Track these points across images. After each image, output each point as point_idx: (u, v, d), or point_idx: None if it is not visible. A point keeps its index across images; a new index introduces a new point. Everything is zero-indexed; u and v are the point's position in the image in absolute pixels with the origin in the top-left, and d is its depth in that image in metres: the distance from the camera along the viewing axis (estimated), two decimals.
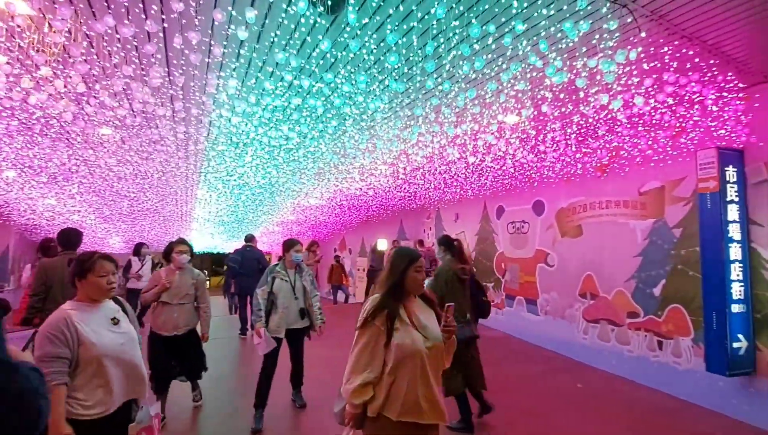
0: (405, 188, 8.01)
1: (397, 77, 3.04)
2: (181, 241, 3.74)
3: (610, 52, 2.84)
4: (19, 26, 2.52)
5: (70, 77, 2.85)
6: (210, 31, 2.62)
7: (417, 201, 9.97)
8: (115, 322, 1.96)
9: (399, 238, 12.36)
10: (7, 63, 2.74)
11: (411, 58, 2.87)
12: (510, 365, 5.76)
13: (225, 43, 2.75)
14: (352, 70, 2.97)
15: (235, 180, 6.94)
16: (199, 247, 22.56)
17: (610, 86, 3.25)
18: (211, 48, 2.73)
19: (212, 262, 30.14)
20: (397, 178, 7.02)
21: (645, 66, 3.14)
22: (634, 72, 3.24)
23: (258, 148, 5.28)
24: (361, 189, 8.11)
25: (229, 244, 20.56)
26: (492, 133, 4.35)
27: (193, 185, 8.12)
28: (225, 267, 12.96)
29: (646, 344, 5.19)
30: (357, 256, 15.20)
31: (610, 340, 5.67)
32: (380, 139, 4.87)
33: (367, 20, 2.42)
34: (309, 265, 11.06)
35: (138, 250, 7.66)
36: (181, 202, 9.95)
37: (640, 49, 2.91)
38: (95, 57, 2.84)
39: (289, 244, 3.82)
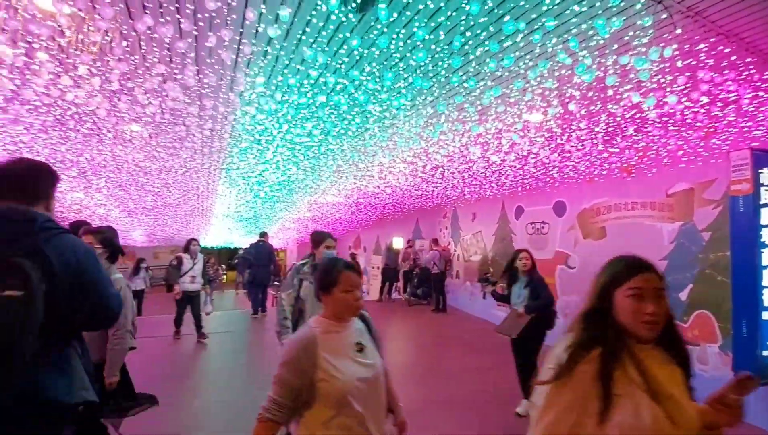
0: (422, 187, 7.99)
1: (422, 74, 3.04)
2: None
3: (643, 49, 2.77)
4: (60, 26, 2.61)
5: (107, 75, 2.93)
6: (241, 30, 2.67)
7: (434, 200, 9.94)
8: (360, 348, 1.63)
9: (414, 237, 12.35)
10: (48, 61, 2.84)
11: (438, 55, 2.86)
12: None
13: (254, 41, 2.79)
14: (378, 68, 2.97)
15: (255, 176, 7.04)
16: (216, 242, 22.96)
17: (645, 84, 3.18)
18: (241, 46, 2.77)
19: (229, 256, 30.64)
20: (416, 176, 7.00)
21: (679, 64, 3.06)
22: (667, 69, 3.16)
23: (280, 145, 5.34)
24: (378, 187, 8.12)
25: (245, 240, 20.88)
26: (516, 132, 4.31)
27: (215, 181, 8.27)
28: (236, 260, 13.39)
29: None
30: (372, 254, 15.24)
31: None
32: (401, 138, 4.87)
33: (395, 16, 2.43)
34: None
35: (189, 246, 6.73)
36: (202, 197, 10.14)
37: (674, 46, 2.83)
38: (130, 56, 2.91)
39: (319, 238, 3.12)
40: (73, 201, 10.01)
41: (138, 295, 9.04)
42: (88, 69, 2.97)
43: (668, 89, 3.29)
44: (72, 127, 4.54)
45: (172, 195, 9.25)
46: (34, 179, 1.46)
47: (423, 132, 4.52)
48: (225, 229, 17.00)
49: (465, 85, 3.19)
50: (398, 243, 12.25)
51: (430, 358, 5.97)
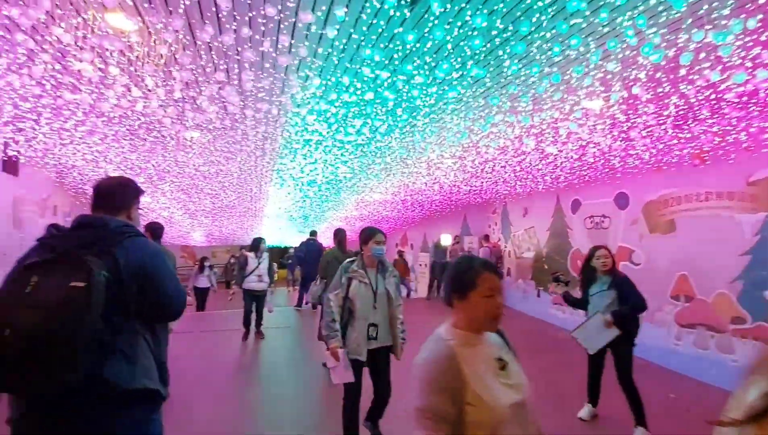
0: (471, 182, 7.82)
1: (476, 63, 2.94)
2: None
3: (724, 22, 2.50)
4: (129, 43, 2.79)
5: (170, 84, 3.12)
6: (293, 32, 2.72)
7: (482, 195, 9.69)
8: (502, 365, 1.36)
9: (462, 234, 12.12)
10: (121, 75, 3.06)
11: (494, 41, 2.75)
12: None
13: (307, 43, 2.84)
14: (431, 60, 2.92)
15: (306, 175, 7.22)
16: (268, 242, 23.93)
17: (726, 59, 2.87)
18: (295, 49, 2.84)
19: (280, 254, 31.73)
20: (465, 171, 6.86)
21: (765, 37, 2.74)
22: (750, 44, 2.84)
23: (328, 146, 5.44)
24: (426, 184, 8.05)
25: (296, 239, 21.54)
26: (575, 120, 4.07)
27: (266, 183, 8.61)
28: (288, 259, 13.85)
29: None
30: (419, 252, 15.16)
31: (709, 347, 5.08)
32: (449, 132, 4.78)
33: (449, 6, 2.36)
34: None
35: (257, 245, 6.48)
36: (255, 198, 10.60)
37: (759, 17, 2.53)
38: (192, 65, 3.07)
39: (368, 235, 2.90)
40: (142, 204, 10.84)
41: (202, 293, 9.46)
42: (154, 81, 3.18)
43: (751, 65, 2.95)
44: (140, 136, 4.89)
45: (228, 197, 9.74)
46: (116, 193, 1.72)
47: (473, 125, 4.40)
48: (276, 228, 17.67)
49: (525, 72, 3.04)
50: (446, 240, 12.07)
51: None
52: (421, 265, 14.77)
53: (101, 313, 1.37)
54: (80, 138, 4.95)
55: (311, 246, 8.92)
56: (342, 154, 5.85)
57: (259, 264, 6.26)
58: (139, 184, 1.85)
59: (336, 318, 2.76)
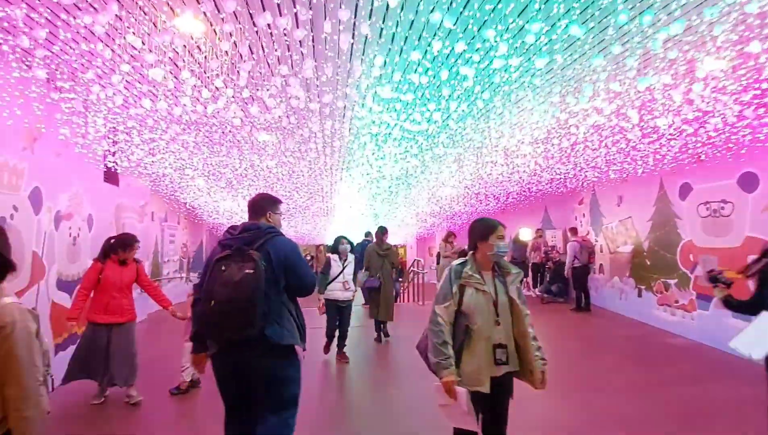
0: (556, 169, 7.05)
1: (571, 21, 2.45)
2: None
3: None
4: (197, 45, 2.75)
5: (236, 82, 3.06)
6: (356, 9, 2.48)
7: (566, 184, 8.77)
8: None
9: (543, 227, 11.17)
10: (191, 77, 3.07)
11: None
12: (714, 385, 4.49)
13: (370, 21, 2.59)
14: (516, 21, 2.49)
15: (377, 170, 7.04)
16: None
17: None
18: (356, 27, 2.60)
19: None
20: (549, 157, 6.17)
21: None
22: None
23: (397, 138, 5.18)
24: (502, 174, 7.44)
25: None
26: (697, 80, 3.31)
27: (336, 181, 8.64)
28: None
29: None
30: None
31: None
32: (532, 114, 4.25)
33: None
34: (446, 257, 10.79)
35: (336, 247, 5.40)
36: (326, 198, 10.77)
37: None
38: (253, 56, 2.99)
39: (487, 228, 2.23)
40: (225, 209, 11.60)
41: None
42: (223, 81, 3.15)
43: None
44: (216, 141, 5.05)
45: (300, 198, 9.98)
46: (260, 204, 2.40)
47: (566, 99, 3.83)
48: (347, 227, 17.98)
49: (635, 23, 2.48)
50: (525, 234, 11.22)
51: (582, 368, 5.09)
52: None
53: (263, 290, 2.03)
54: (165, 147, 5.26)
55: (365, 246, 8.96)
56: (411, 147, 5.56)
57: (344, 268, 5.31)
58: (274, 195, 2.50)
59: (448, 339, 2.08)
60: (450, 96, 3.49)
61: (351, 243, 5.51)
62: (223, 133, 4.84)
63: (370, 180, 7.96)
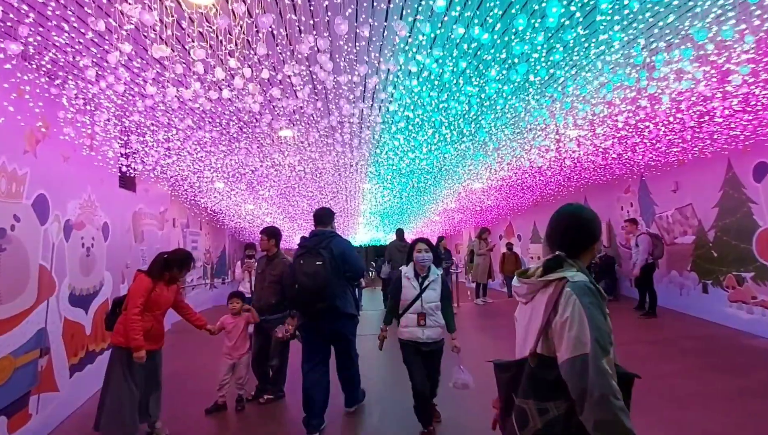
0: (602, 154, 6.31)
1: None
2: None
3: None
4: (207, 21, 2.29)
5: (253, 58, 2.57)
6: None
7: (607, 172, 7.96)
8: None
9: None
10: (205, 56, 2.60)
11: None
12: None
13: None
14: None
15: (406, 165, 6.50)
16: (363, 240, 24.09)
17: None
18: None
19: (376, 253, 32.01)
20: (599, 143, 5.48)
21: None
22: None
23: (430, 127, 4.63)
24: (550, 159, 6.67)
25: (391, 236, 21.30)
26: None
27: (362, 179, 8.13)
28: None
29: None
30: (529, 243, 13.56)
31: None
32: (578, 100, 3.62)
33: None
34: (481, 254, 10.14)
35: (410, 253, 3.74)
36: (351, 197, 10.28)
37: None
38: (273, 29, 2.49)
39: (599, 226, 1.50)
40: (246, 212, 11.26)
41: None
42: (237, 59, 2.67)
43: None
44: (234, 137, 4.60)
45: (324, 197, 9.52)
46: (323, 216, 3.63)
47: (629, 69, 3.19)
48: (372, 226, 17.50)
49: None
50: None
51: (656, 377, 4.33)
52: (532, 257, 13.15)
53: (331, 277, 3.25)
54: (180, 146, 4.85)
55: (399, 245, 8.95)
56: (445, 135, 4.99)
57: (422, 290, 3.15)
58: (332, 209, 3.71)
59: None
60: (488, 70, 2.88)
61: (435, 250, 3.36)
62: (240, 127, 4.39)
63: (400, 173, 7.41)
